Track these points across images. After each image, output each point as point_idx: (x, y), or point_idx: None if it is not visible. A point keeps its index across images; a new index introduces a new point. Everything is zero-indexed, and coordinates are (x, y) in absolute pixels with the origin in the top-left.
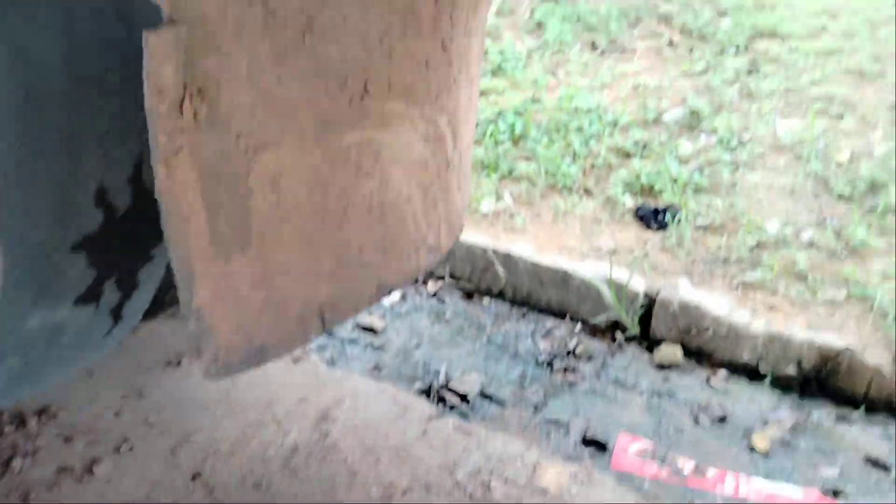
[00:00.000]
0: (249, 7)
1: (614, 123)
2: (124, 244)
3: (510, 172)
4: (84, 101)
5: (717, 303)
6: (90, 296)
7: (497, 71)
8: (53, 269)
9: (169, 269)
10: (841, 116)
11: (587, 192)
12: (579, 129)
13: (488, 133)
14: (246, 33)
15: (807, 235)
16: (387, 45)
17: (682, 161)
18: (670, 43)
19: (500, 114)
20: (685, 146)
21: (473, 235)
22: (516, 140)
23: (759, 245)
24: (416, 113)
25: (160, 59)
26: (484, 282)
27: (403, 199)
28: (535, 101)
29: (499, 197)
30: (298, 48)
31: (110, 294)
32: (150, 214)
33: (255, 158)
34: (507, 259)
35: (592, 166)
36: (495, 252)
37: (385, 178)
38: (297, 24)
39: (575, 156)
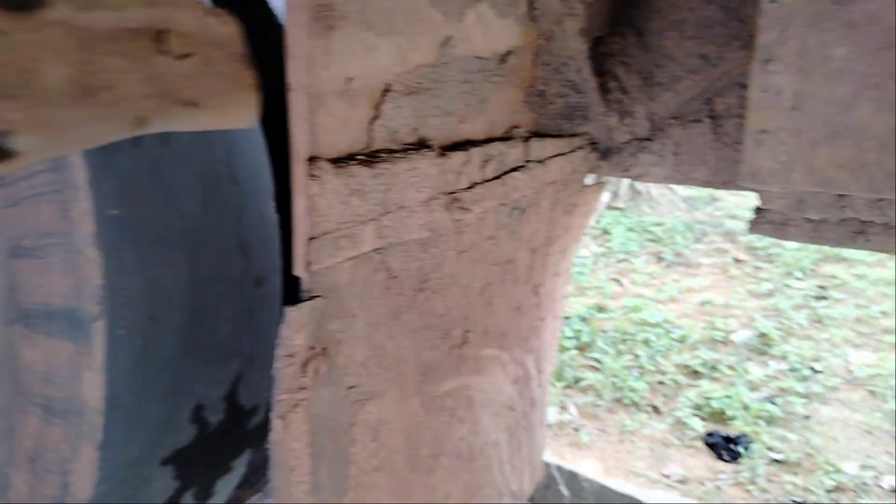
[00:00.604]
0: (374, 273)
1: (682, 340)
2: (209, 457)
3: (576, 382)
4: (198, 325)
5: None
6: None
7: None
8: (142, 481)
9: (243, 478)
10: None
11: (655, 410)
12: (646, 343)
13: None
14: (368, 296)
15: (888, 482)
16: (486, 296)
17: (753, 387)
18: (736, 261)
19: (566, 319)
20: (755, 371)
21: None
22: (582, 348)
23: (838, 488)
24: (507, 356)
25: (295, 329)
26: (546, 500)
27: (491, 443)
28: (600, 308)
29: (563, 407)
30: (411, 305)
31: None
32: (236, 429)
33: (361, 409)
34: (572, 479)
35: (660, 383)
36: (560, 469)
37: (476, 423)
38: (412, 284)
39: (642, 370)
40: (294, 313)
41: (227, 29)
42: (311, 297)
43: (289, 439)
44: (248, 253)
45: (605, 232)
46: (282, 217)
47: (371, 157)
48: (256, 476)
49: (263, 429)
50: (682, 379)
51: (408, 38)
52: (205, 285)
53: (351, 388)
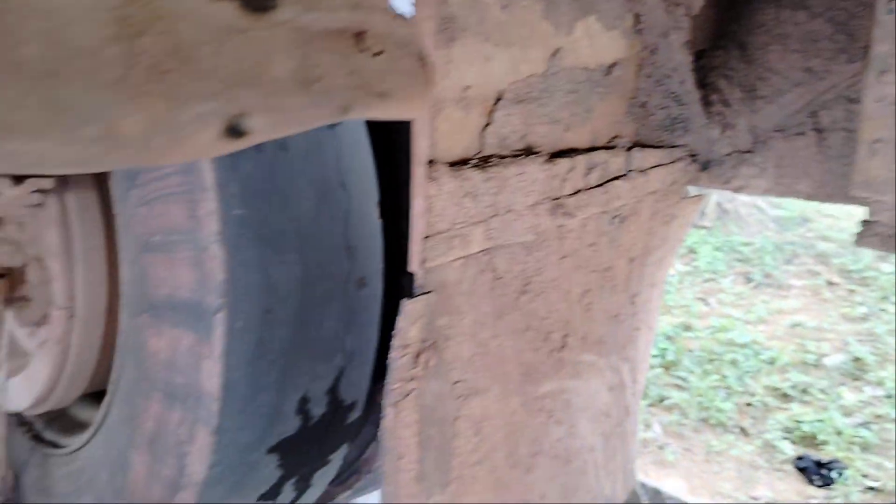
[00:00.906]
0: (481, 273)
1: (771, 362)
2: (310, 449)
3: (660, 400)
4: (307, 321)
5: None
6: (271, 494)
7: None
8: (249, 467)
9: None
10: None
11: (743, 431)
12: (734, 364)
13: None
14: (475, 295)
15: None
16: (586, 302)
17: (846, 413)
18: (828, 283)
19: None
20: (848, 396)
21: None
22: (667, 366)
23: None
24: (604, 363)
25: (410, 321)
26: None
27: (587, 447)
28: (686, 328)
29: (647, 425)
30: (514, 306)
31: (287, 494)
32: (336, 423)
33: (465, 403)
34: (656, 496)
35: (748, 404)
36: (643, 486)
37: (573, 426)
38: (516, 286)
39: (729, 391)
40: (410, 306)
41: (410, 30)
42: (425, 293)
43: (399, 427)
44: (353, 255)
45: (692, 251)
46: (385, 222)
47: (483, 162)
48: (348, 472)
49: (359, 425)
50: (772, 401)
51: (521, 49)
52: (314, 284)
53: (456, 382)
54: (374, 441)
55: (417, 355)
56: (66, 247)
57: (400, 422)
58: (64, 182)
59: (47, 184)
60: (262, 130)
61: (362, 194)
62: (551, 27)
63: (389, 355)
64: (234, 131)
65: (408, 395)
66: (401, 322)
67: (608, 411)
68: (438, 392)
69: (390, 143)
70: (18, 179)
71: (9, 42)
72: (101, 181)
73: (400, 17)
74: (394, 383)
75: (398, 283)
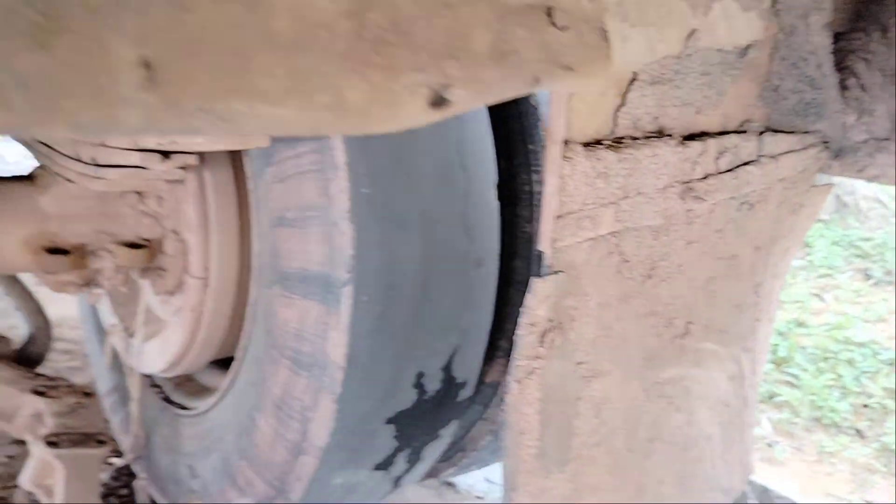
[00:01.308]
0: (608, 255)
1: (891, 363)
2: (423, 423)
3: (770, 397)
4: (426, 297)
5: None
6: (385, 464)
7: None
8: (367, 436)
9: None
10: None
11: (859, 433)
12: (850, 363)
13: None
14: (601, 277)
15: None
16: (710, 289)
17: None
18: None
19: None
20: None
21: None
22: (778, 363)
23: None
24: (725, 353)
25: (539, 300)
26: None
27: (704, 436)
28: (800, 324)
29: (757, 422)
30: (639, 290)
31: (399, 465)
32: (448, 399)
33: (587, 385)
34: (764, 494)
35: (865, 406)
36: (751, 483)
37: (692, 414)
38: (641, 269)
39: (845, 391)
40: (540, 285)
41: (594, 6)
42: (555, 272)
43: (522, 404)
44: (471, 235)
45: (807, 244)
46: (501, 205)
47: (616, 143)
48: (455, 450)
49: (469, 403)
50: (891, 404)
51: (658, 29)
52: (434, 262)
53: (579, 363)
54: (480, 420)
55: (543, 334)
56: (203, 220)
57: (523, 398)
58: (202, 159)
59: (192, 160)
60: (462, 101)
61: (481, 177)
62: (688, 7)
63: (516, 333)
64: (439, 101)
65: (532, 372)
66: (529, 300)
67: (727, 401)
68: (562, 372)
69: (507, 130)
70: (166, 155)
71: (264, 15)
72: (234, 159)
73: None
74: (519, 360)
75: (509, 267)
